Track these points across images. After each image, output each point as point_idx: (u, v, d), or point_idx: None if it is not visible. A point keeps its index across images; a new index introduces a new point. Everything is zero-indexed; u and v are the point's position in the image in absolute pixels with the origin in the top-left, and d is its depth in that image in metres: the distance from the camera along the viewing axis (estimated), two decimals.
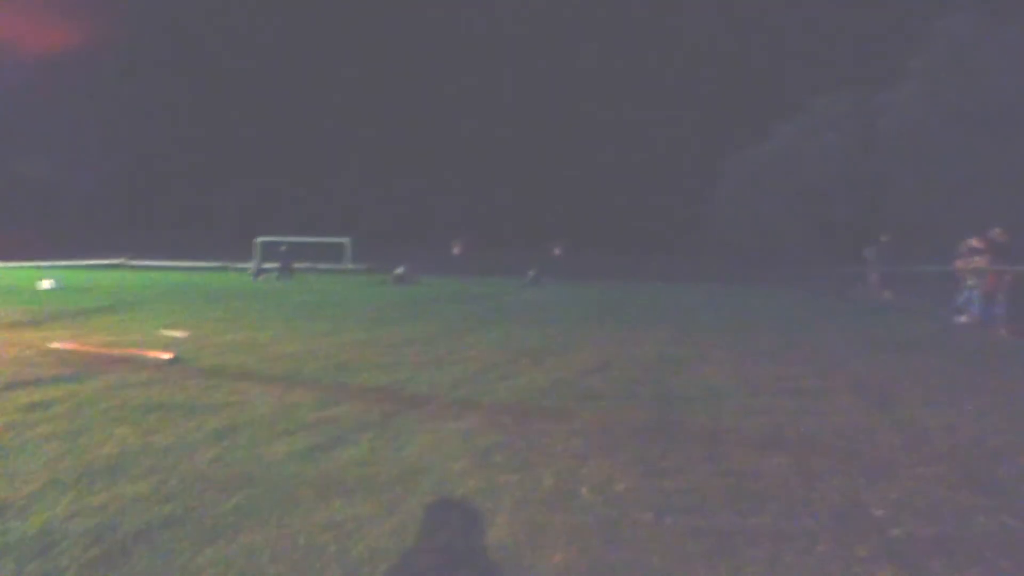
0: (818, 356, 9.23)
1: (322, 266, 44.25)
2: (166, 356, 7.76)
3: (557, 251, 50.06)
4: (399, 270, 32.47)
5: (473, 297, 22.57)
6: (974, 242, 14.51)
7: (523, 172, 61.93)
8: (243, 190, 59.69)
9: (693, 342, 10.63)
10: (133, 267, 34.41)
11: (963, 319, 14.29)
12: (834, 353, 9.56)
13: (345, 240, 49.01)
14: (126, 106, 55.78)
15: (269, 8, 62.86)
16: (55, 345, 8.60)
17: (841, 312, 18.00)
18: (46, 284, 21.35)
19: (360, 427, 4.94)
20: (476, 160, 62.08)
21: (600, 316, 15.69)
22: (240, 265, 39.23)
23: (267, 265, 35.12)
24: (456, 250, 45.53)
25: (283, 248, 35.65)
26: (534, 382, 6.86)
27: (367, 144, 62.87)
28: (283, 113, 62.48)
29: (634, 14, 62.96)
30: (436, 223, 56.55)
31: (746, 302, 22.65)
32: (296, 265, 37.62)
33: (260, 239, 45.03)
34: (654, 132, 59.88)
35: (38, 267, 35.54)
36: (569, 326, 13.01)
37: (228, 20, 59.79)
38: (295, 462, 4.10)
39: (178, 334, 10.05)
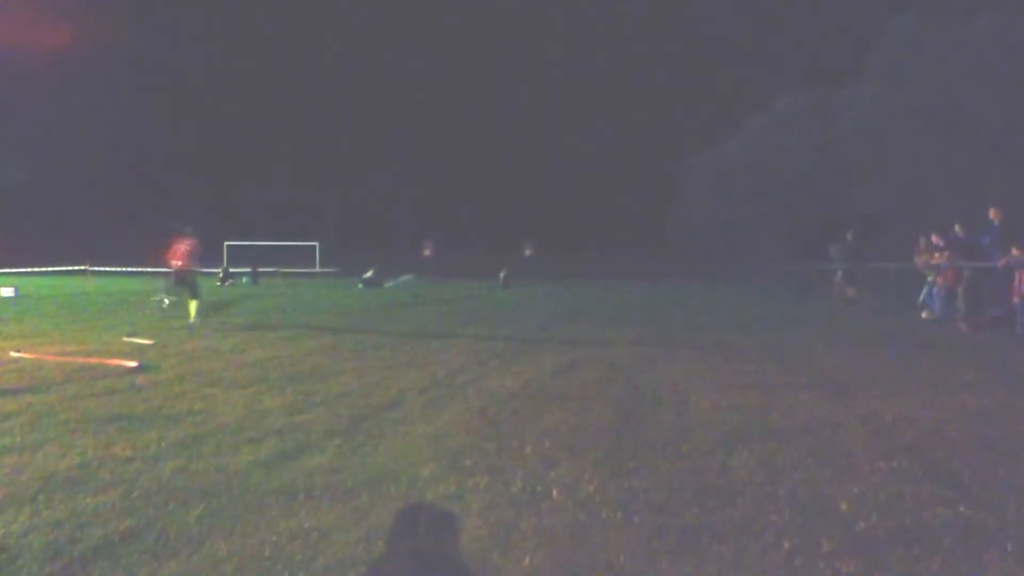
0: (784, 352, 9.35)
1: (290, 270, 43.78)
2: (130, 364, 7.61)
3: (528, 251, 50.15)
4: (368, 273, 32.26)
5: (443, 300, 22.50)
6: (934, 238, 14.81)
7: (492, 173, 61.97)
8: (209, 193, 58.82)
9: (661, 341, 10.71)
10: (95, 273, 33.69)
11: (925, 315, 14.58)
12: (799, 349, 9.69)
13: (315, 244, 48.56)
14: (91, 109, 54.65)
15: (232, 8, 62.04)
16: (14, 354, 8.38)
17: (806, 309, 18.29)
18: (5, 292, 20.82)
19: (327, 433, 4.89)
20: (445, 162, 61.97)
21: (569, 316, 15.74)
22: (207, 270, 38.65)
23: (235, 270, 34.65)
24: (427, 252, 45.34)
25: (252, 253, 35.23)
26: (503, 384, 6.85)
27: (336, 147, 62.36)
28: (252, 116, 61.71)
29: (595, 15, 63.35)
30: (405, 226, 56.30)
31: (713, 300, 22.90)
32: (261, 269, 37.17)
33: (228, 243, 44.44)
34: (620, 133, 60.40)
35: None
36: (539, 327, 13.03)
37: (191, 20, 58.90)
38: (261, 470, 4.04)
39: (142, 342, 9.86)
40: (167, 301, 14.15)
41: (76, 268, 39.15)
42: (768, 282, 31.82)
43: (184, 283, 13.04)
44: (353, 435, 4.85)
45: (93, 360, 7.96)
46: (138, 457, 4.26)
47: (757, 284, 32.12)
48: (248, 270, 33.98)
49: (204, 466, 4.10)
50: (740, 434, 4.93)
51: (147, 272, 39.17)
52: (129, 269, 39.92)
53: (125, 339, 10.18)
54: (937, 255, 14.57)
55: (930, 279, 15.04)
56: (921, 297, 15.27)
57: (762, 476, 4.00)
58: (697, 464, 4.23)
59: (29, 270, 38.74)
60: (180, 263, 12.95)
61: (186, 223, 13.60)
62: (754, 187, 40.42)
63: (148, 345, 9.55)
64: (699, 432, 4.99)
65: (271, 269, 41.05)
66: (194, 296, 12.83)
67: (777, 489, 3.78)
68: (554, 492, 3.73)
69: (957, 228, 14.28)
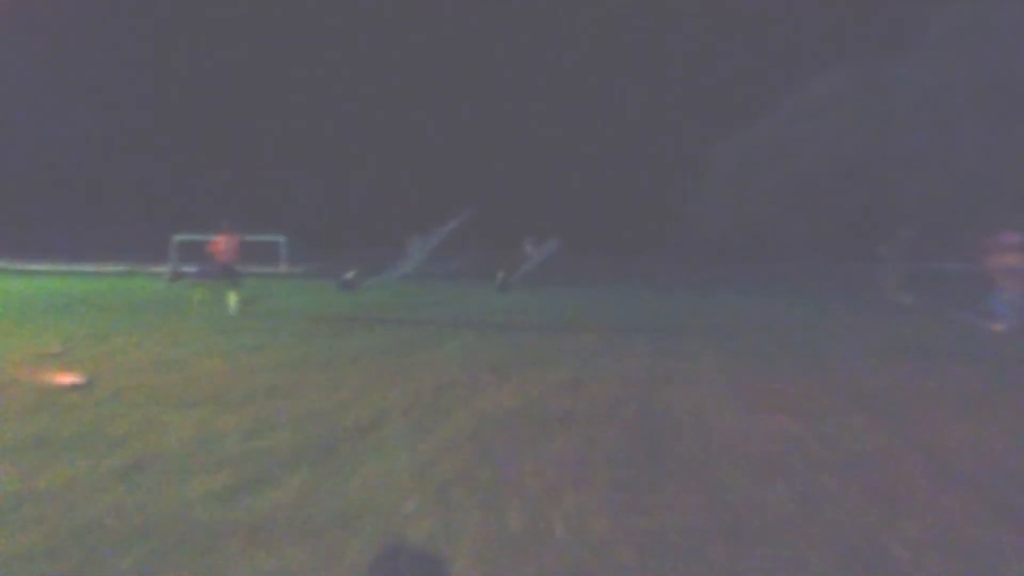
0: (824, 368, 9.32)
1: (252, 269, 43.67)
2: (69, 380, 7.54)
3: (528, 247, 50.21)
4: (348, 274, 32.23)
5: (431, 303, 22.47)
6: (1006, 236, 14.76)
7: (488, 163, 61.94)
8: (156, 181, 58.69)
9: (680, 354, 10.68)
10: (17, 272, 33.65)
11: (997, 326, 14.54)
12: (843, 364, 9.67)
13: (280, 239, 48.52)
14: (15, 88, 54.58)
15: None
16: None
17: (852, 318, 18.28)
18: None
19: (294, 460, 4.85)
20: (436, 148, 61.93)
21: (575, 324, 15.71)
22: (153, 269, 38.59)
23: (187, 268, 34.61)
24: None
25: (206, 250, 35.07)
26: (499, 403, 6.81)
27: (309, 123, 62.21)
28: (203, 89, 61.62)
29: None
30: (391, 219, 56.22)
31: (742, 307, 22.88)
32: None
33: (179, 237, 44.37)
34: (631, 116, 60.36)
35: None
36: (540, 336, 12.99)
37: None
38: (215, 504, 3.99)
39: (55, 351, 9.82)
40: (233, 303, 16.94)
41: None
42: (807, 287, 31.84)
43: (227, 276, 16.54)
44: (323, 463, 4.81)
45: (16, 374, 7.90)
46: (67, 490, 4.22)
47: (793, 289, 32.14)
48: (197, 269, 33.91)
49: (145, 500, 4.05)
50: (775, 464, 4.90)
51: (79, 271, 39.09)
52: (60, 268, 39.85)
53: (50, 349, 10.12)
54: (1010, 256, 14.53)
55: (1003, 284, 15.01)
56: (991, 305, 15.24)
57: (800, 513, 3.97)
58: (724, 498, 4.20)
59: None
60: (226, 256, 16.49)
61: (224, 218, 17.64)
62: (788, 176, 40.47)
63: (62, 353, 9.49)
64: (726, 461, 4.96)
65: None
66: (234, 287, 16.27)
67: (818, 529, 3.75)
68: (558, 530, 3.70)
69: None
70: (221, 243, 16.66)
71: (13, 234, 46.24)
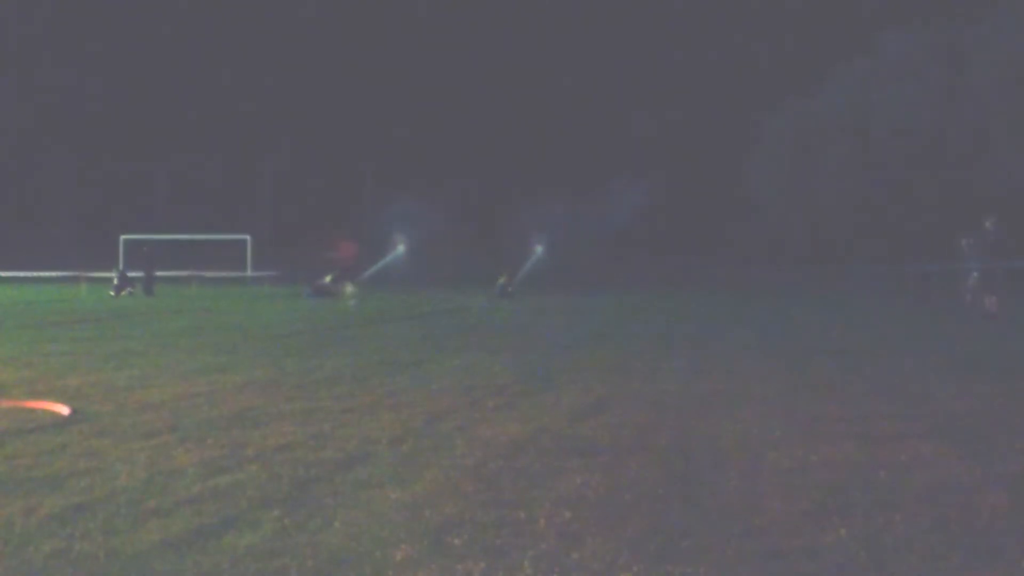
0: (893, 388, 9.29)
1: (211, 274, 43.84)
2: (61, 411, 7.52)
3: (538, 247, 50.20)
4: (327, 278, 32.30)
5: (425, 314, 22.51)
6: None
7: (489, 139, 61.95)
8: (97, 174, 58.82)
9: (722, 371, 10.66)
10: None
11: None
12: (914, 383, 9.63)
13: (245, 237, 48.62)
14: None
15: None
16: None
17: (925, 326, 18.24)
18: None
19: (263, 502, 4.87)
20: (423, 122, 61.89)
21: (595, 337, 15.71)
22: (94, 274, 38.71)
23: (134, 274, 34.71)
24: (401, 247, 45.39)
25: (145, 250, 35.08)
26: (505, 432, 6.82)
27: (279, 104, 62.33)
28: (158, 60, 61.85)
29: None
30: (372, 214, 56.30)
31: (794, 315, 22.85)
32: (166, 273, 37.06)
33: (125, 237, 44.50)
34: (666, 83, 60.19)
35: None
36: (553, 352, 12.99)
37: None
38: (171, 553, 4.02)
39: None
40: (352, 300, 23.81)
41: None
42: (871, 289, 31.73)
43: (348, 277, 24.33)
44: (298, 504, 4.83)
45: (8, 403, 7.94)
46: (0, 536, 4.25)
47: (855, 292, 32.04)
48: (143, 274, 33.93)
49: (92, 548, 4.08)
50: (835, 502, 4.90)
51: (12, 278, 39.13)
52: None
53: None
54: None
55: None
56: None
57: (867, 560, 3.97)
58: (775, 544, 4.20)
59: None
60: (347, 260, 24.43)
61: (344, 226, 23.76)
62: (850, 157, 40.32)
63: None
64: (778, 500, 4.96)
65: (183, 273, 41.08)
66: (351, 284, 23.64)
67: None
68: None
69: None
70: (344, 248, 25.37)
71: None
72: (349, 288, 24.50)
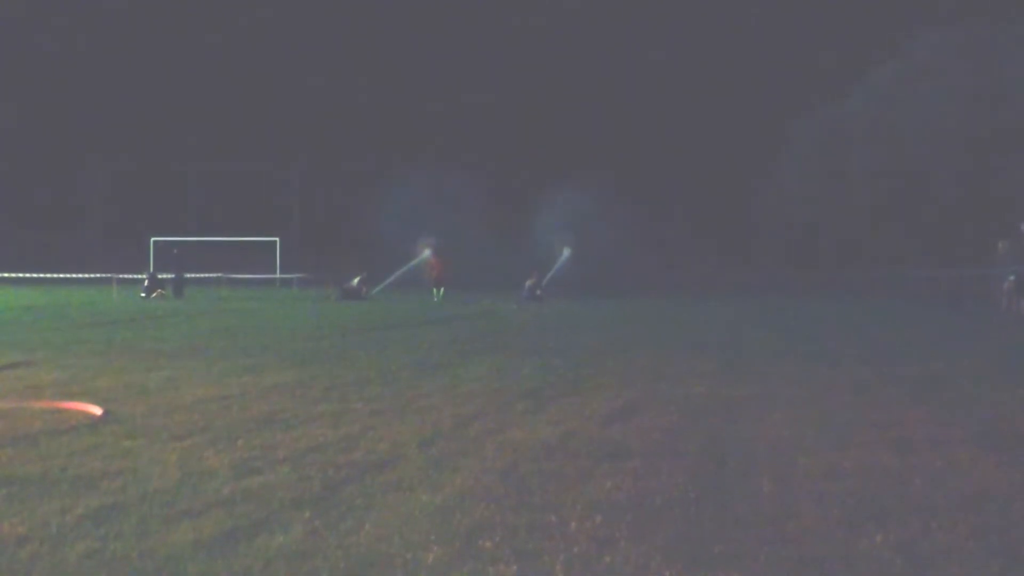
0: (928, 393, 9.20)
1: (241, 276, 44.14)
2: (94, 412, 7.62)
3: (566, 249, 50.03)
4: (354, 281, 32.50)
5: (452, 317, 22.55)
6: None
7: (515, 143, 61.86)
8: (129, 177, 59.35)
9: (753, 375, 10.61)
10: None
11: None
12: (949, 388, 9.54)
13: (274, 239, 48.92)
14: None
15: None
16: None
17: (959, 330, 18.05)
18: None
19: (294, 503, 4.89)
20: (453, 122, 61.82)
21: (624, 341, 15.67)
22: (125, 276, 39.10)
23: (165, 276, 35.03)
24: (427, 251, 45.58)
25: (175, 252, 35.34)
26: (536, 435, 6.81)
27: (307, 105, 62.57)
28: (182, 56, 62.25)
29: None
30: (402, 216, 56.35)
31: (826, 318, 22.69)
32: (197, 275, 37.36)
33: (156, 239, 44.90)
34: (691, 84, 59.78)
35: None
36: (582, 356, 12.97)
37: None
38: (203, 555, 4.04)
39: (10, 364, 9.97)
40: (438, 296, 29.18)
41: None
42: (905, 293, 31.44)
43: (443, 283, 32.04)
44: (329, 506, 4.84)
45: (42, 404, 8.03)
46: (35, 537, 4.28)
47: (888, 295, 31.75)
48: (172, 276, 34.27)
49: (125, 548, 4.11)
50: (870, 508, 4.85)
51: (46, 281, 39.61)
52: (15, 276, 40.39)
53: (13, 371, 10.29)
54: None
55: None
56: None
57: (904, 567, 3.93)
58: (809, 550, 4.16)
59: None
60: (438, 273, 32.59)
61: (430, 244, 29.75)
62: (882, 159, 39.95)
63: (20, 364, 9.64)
64: (811, 505, 4.92)
65: (212, 275, 41.40)
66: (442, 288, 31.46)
67: None
68: None
69: None
70: (435, 264, 33.54)
71: None
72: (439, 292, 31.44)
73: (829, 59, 49.91)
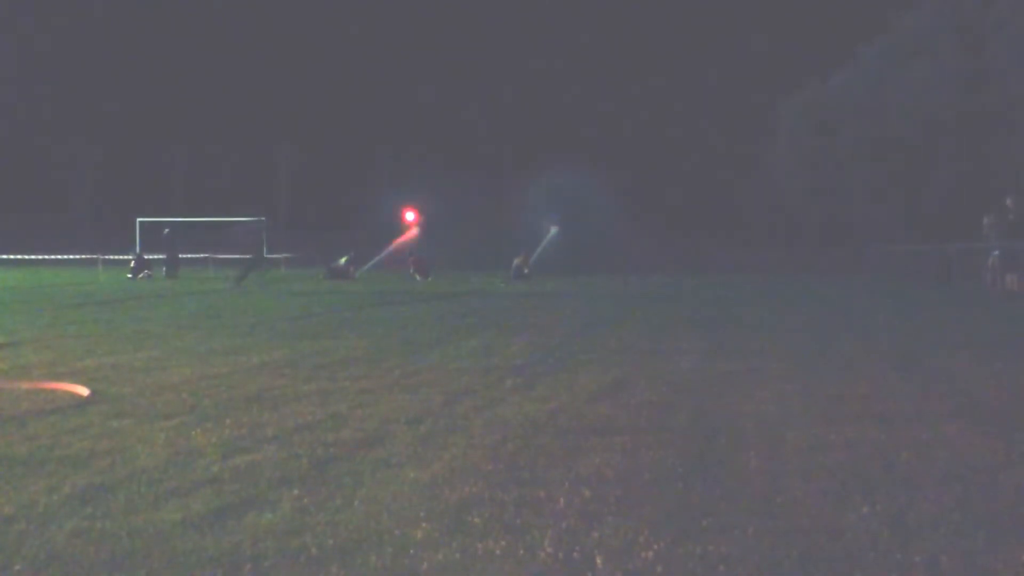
0: (914, 367, 9.25)
1: (225, 256, 43.93)
2: (80, 392, 7.59)
3: (553, 227, 50.09)
4: (341, 260, 32.47)
5: (439, 296, 22.54)
6: None
7: (502, 121, 61.78)
8: (112, 156, 59.00)
9: (740, 351, 10.64)
10: None
11: None
12: (936, 363, 9.59)
13: (260, 219, 48.66)
14: None
15: None
16: None
17: (945, 306, 18.13)
18: None
19: (282, 481, 4.89)
20: (436, 103, 61.72)
21: (612, 318, 15.70)
22: (112, 257, 38.93)
23: (152, 257, 34.90)
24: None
25: (166, 232, 35.25)
26: (524, 412, 6.82)
27: (294, 85, 62.30)
28: (171, 36, 61.84)
29: None
30: (387, 196, 56.31)
31: (814, 295, 22.78)
32: (185, 255, 37.27)
33: (142, 220, 44.70)
34: (682, 64, 59.80)
35: None
36: (570, 333, 12.99)
37: None
38: (191, 533, 4.03)
39: None
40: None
41: None
42: (891, 269, 31.57)
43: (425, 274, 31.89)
44: (318, 483, 4.84)
45: (28, 384, 7.98)
46: (22, 516, 4.27)
47: (874, 271, 31.90)
48: (163, 257, 34.17)
49: (113, 527, 4.10)
50: (857, 482, 4.87)
51: (30, 261, 39.46)
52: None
53: None
54: None
55: None
56: None
57: (890, 540, 3.95)
58: (796, 523, 4.18)
59: None
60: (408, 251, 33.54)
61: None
62: (868, 138, 40.01)
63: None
64: (798, 479, 4.95)
65: (199, 255, 41.26)
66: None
67: (912, 558, 3.73)
68: (598, 560, 3.70)
69: None
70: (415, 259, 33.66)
71: None
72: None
73: (818, 37, 49.93)
